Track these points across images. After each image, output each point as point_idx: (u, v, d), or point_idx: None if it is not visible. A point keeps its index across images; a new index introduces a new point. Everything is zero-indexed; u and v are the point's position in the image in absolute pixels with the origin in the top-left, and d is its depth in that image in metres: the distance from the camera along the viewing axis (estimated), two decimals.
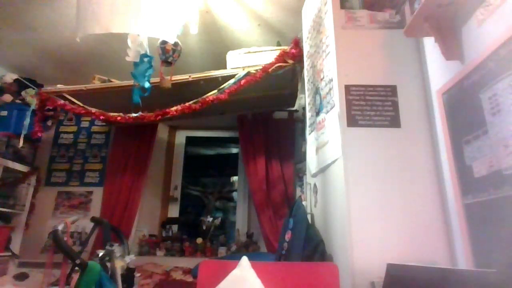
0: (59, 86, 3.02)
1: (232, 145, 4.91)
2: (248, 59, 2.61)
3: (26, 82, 3.62)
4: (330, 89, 1.58)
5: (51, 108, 3.22)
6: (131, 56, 1.73)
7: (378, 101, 1.45)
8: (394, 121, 1.42)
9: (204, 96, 2.60)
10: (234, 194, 4.97)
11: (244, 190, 3.72)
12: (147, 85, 1.84)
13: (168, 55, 2.46)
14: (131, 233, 3.32)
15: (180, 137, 4.08)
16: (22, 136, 3.06)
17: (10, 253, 3.27)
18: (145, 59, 1.77)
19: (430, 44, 1.41)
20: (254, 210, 3.32)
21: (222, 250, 3.29)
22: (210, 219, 3.52)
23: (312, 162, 1.94)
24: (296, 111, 3.40)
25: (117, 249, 1.96)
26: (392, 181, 1.35)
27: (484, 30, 1.07)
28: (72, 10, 2.62)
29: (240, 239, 3.39)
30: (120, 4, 1.28)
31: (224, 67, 2.66)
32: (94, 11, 1.23)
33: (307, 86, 2.12)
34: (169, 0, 1.63)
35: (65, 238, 2.05)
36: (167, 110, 2.71)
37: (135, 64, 1.82)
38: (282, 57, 2.50)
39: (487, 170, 1.02)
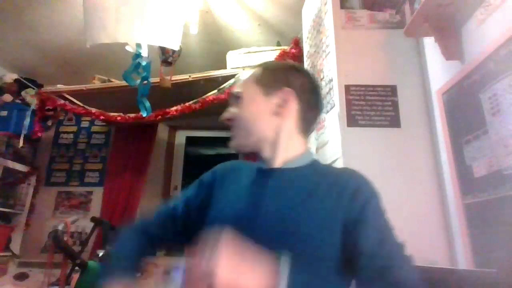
0: (59, 86, 3.02)
1: None
2: (248, 59, 2.61)
3: (26, 82, 3.62)
4: (330, 89, 1.58)
5: (51, 108, 3.23)
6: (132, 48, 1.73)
7: (378, 101, 1.45)
8: (394, 121, 1.42)
9: (204, 96, 2.60)
10: None
11: None
12: (133, 83, 1.84)
13: (168, 55, 2.47)
14: None
15: (180, 137, 4.08)
16: (22, 136, 3.06)
17: (10, 253, 3.27)
18: (138, 60, 1.77)
19: (430, 44, 1.41)
20: None
21: None
22: None
23: None
24: None
25: None
26: (392, 181, 1.35)
27: (484, 30, 1.07)
28: (72, 11, 2.62)
29: None
30: (125, 12, 1.28)
31: (224, 67, 2.65)
32: (101, 18, 1.23)
33: None
34: (172, 6, 1.63)
35: (65, 238, 2.05)
36: (167, 110, 2.71)
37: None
38: (282, 57, 2.49)
39: (487, 170, 1.02)
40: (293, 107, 0.81)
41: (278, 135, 0.80)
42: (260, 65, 0.89)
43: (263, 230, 0.72)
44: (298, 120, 0.82)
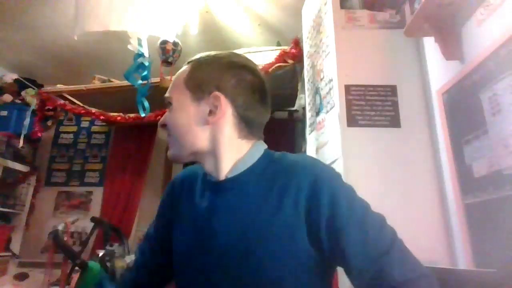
0: (59, 86, 3.02)
1: None
2: None
3: (26, 82, 3.63)
4: (330, 89, 1.58)
5: (51, 108, 3.23)
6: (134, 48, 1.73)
7: (378, 101, 1.45)
8: (394, 121, 1.42)
9: None
10: None
11: None
12: (135, 82, 1.84)
13: (168, 55, 2.47)
14: (131, 233, 3.32)
15: None
16: (22, 136, 3.07)
17: (10, 253, 3.28)
18: (139, 60, 1.76)
19: (430, 44, 1.41)
20: None
21: None
22: None
23: None
24: (296, 111, 3.39)
25: (117, 249, 1.96)
26: (392, 181, 1.35)
27: (484, 30, 1.07)
28: (72, 10, 2.62)
29: None
30: (119, 2, 1.28)
31: None
32: (93, 8, 1.23)
33: (307, 86, 2.12)
34: None
35: (65, 238, 2.05)
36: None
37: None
38: (282, 57, 2.50)
39: (487, 170, 1.02)
40: (226, 113, 0.71)
41: (215, 146, 0.72)
42: (192, 61, 0.78)
43: (217, 261, 0.67)
44: (235, 125, 0.73)
